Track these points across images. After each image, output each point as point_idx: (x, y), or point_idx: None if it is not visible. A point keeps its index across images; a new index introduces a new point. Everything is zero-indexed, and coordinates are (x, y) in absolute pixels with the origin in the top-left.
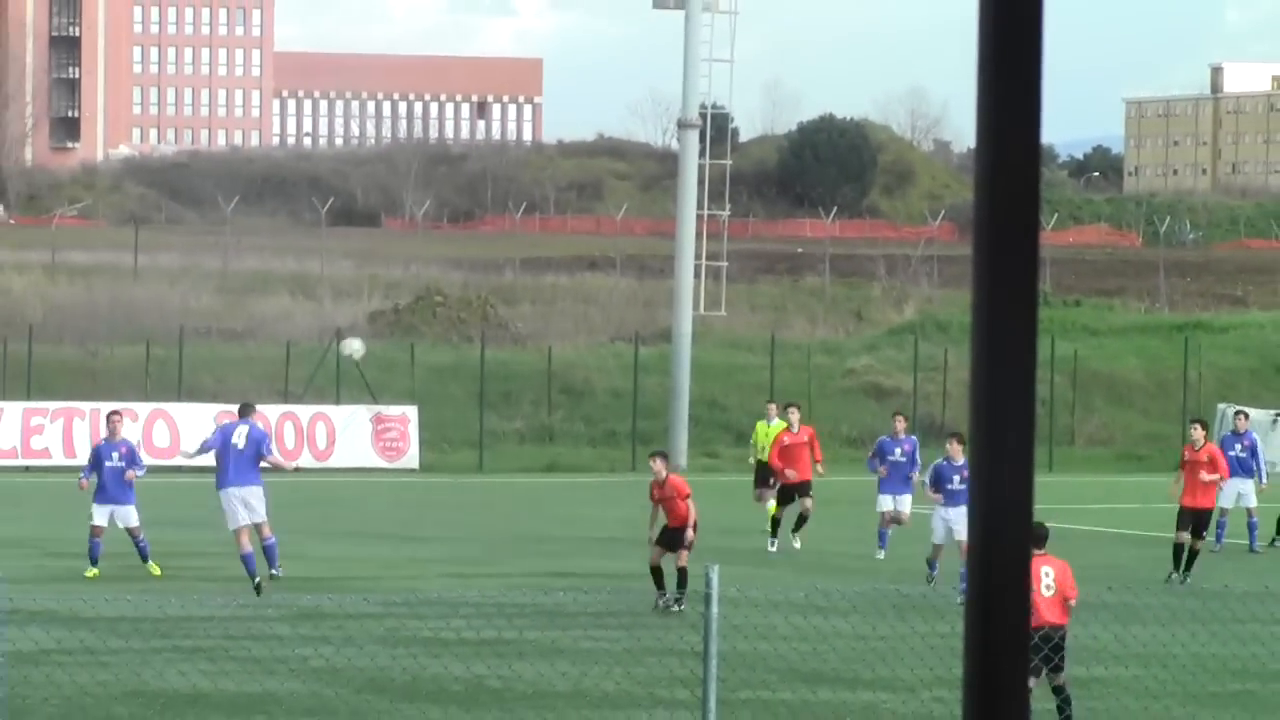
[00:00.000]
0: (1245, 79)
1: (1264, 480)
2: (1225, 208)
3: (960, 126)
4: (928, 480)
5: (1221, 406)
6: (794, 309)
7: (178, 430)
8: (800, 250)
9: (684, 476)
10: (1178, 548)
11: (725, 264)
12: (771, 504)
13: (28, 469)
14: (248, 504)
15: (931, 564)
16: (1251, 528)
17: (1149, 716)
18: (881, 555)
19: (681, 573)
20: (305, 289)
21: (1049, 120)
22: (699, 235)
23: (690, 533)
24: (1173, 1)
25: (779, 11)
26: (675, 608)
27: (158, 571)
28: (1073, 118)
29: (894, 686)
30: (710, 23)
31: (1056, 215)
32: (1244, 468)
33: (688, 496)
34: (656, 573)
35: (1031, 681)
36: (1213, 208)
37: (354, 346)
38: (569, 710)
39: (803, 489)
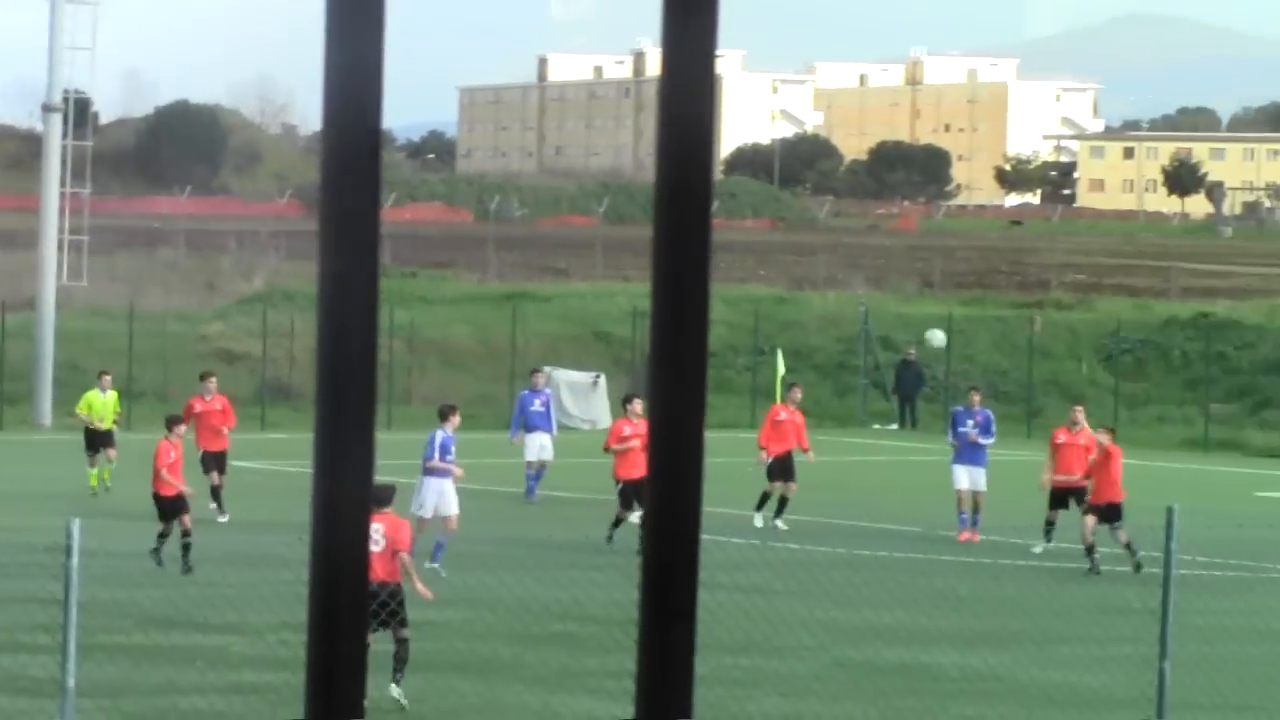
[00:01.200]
0: (568, 69)
1: (555, 431)
2: (549, 188)
3: (306, 111)
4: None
5: (549, 370)
6: (150, 280)
7: None
8: (156, 226)
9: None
10: (1049, 524)
11: (86, 238)
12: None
13: None
14: None
15: (962, 513)
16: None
17: (477, 657)
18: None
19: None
20: None
21: (388, 106)
22: (61, 211)
23: None
24: None
25: (140, 3)
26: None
27: None
28: (409, 103)
29: (242, 630)
30: (73, 14)
31: (394, 194)
32: (549, 421)
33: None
34: None
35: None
36: (538, 188)
37: (938, 338)
38: None
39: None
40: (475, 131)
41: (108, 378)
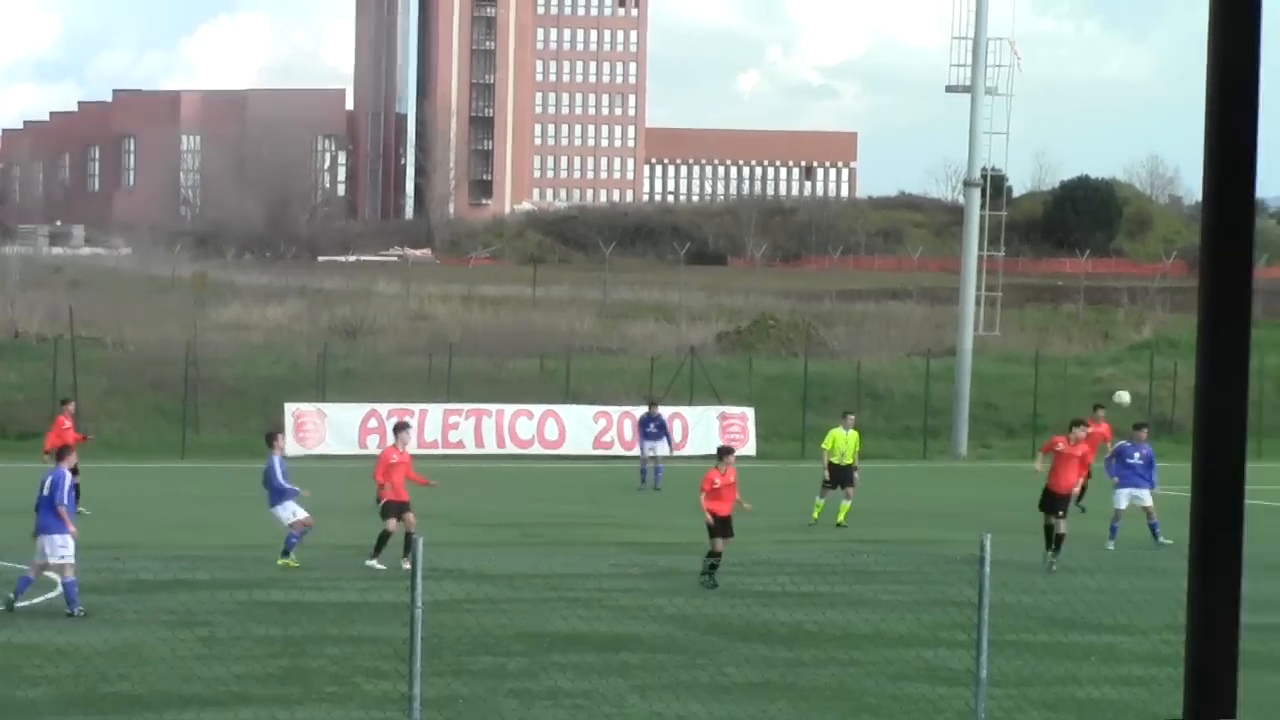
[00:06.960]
0: None
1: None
2: None
3: (1190, 185)
4: (1110, 459)
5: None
6: (1054, 330)
7: (564, 426)
8: (1060, 283)
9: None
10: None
11: (1000, 294)
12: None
13: (446, 457)
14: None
15: (1113, 528)
16: None
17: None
18: (1111, 546)
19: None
20: (666, 314)
21: (1262, 178)
22: (979, 271)
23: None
24: None
25: (1045, 95)
26: None
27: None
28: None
29: (1130, 630)
30: (990, 104)
31: (1266, 255)
32: None
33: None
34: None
35: None
36: None
37: (1123, 398)
38: (871, 649)
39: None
40: None
41: (850, 417)
